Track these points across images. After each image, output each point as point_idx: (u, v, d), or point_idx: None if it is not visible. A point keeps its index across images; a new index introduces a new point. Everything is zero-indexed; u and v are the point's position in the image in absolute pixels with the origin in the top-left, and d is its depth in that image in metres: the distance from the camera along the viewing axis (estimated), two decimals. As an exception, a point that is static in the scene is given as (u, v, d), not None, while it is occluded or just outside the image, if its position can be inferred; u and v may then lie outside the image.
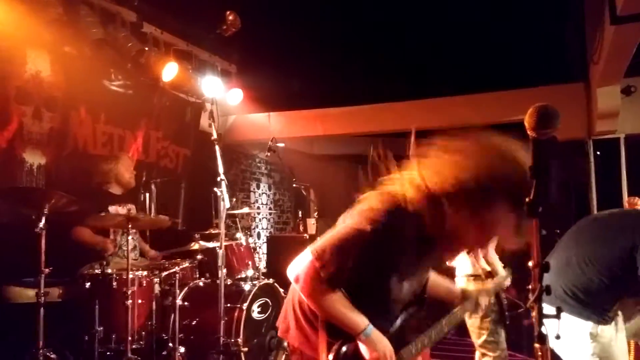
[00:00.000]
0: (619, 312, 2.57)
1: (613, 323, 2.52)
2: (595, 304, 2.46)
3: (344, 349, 1.72)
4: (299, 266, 1.73)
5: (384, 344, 1.73)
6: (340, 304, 1.70)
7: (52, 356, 3.43)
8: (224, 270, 3.78)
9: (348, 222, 1.73)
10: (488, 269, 3.69)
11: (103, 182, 4.34)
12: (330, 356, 1.71)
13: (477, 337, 3.65)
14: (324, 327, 1.75)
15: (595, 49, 4.91)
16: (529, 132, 1.33)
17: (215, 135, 3.88)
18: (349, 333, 1.71)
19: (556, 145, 1.35)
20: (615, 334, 2.52)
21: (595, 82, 5.49)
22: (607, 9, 3.85)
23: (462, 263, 3.58)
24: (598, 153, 6.05)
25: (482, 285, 3.40)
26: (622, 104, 5.47)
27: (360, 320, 1.71)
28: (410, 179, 1.67)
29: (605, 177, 5.95)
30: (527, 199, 1.30)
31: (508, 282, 3.77)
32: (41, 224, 3.33)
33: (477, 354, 3.92)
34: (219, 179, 3.66)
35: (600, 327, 2.46)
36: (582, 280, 2.48)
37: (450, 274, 3.69)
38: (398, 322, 1.84)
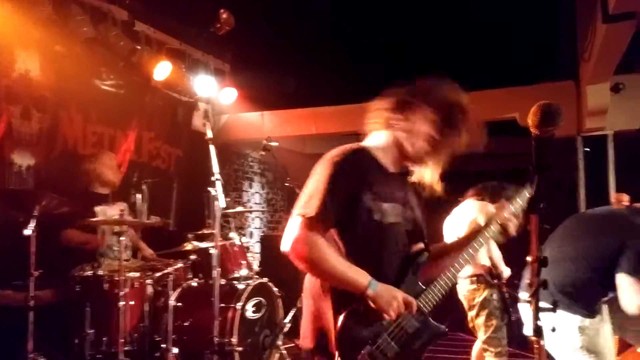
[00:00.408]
0: (605, 305, 2.61)
1: (599, 315, 2.56)
2: (583, 299, 2.51)
3: (354, 310, 1.69)
4: (291, 231, 1.71)
5: (394, 293, 1.70)
6: (339, 263, 1.69)
7: (42, 360, 3.40)
8: (218, 270, 3.76)
9: (315, 171, 1.79)
10: (488, 264, 3.72)
11: (87, 183, 4.29)
12: (341, 317, 1.67)
13: (484, 333, 3.71)
14: (330, 299, 1.72)
15: (586, 47, 4.93)
16: (531, 130, 1.33)
17: (210, 135, 3.84)
18: (354, 294, 1.68)
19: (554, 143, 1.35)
20: (602, 325, 2.56)
21: (586, 80, 5.52)
22: (600, 8, 3.87)
23: None
24: (587, 149, 6.09)
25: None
26: (610, 102, 5.51)
27: (362, 276, 1.69)
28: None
29: (593, 173, 5.99)
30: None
31: (507, 273, 3.81)
32: (31, 226, 3.29)
33: (475, 349, 3.95)
34: (213, 178, 3.63)
35: (588, 320, 2.50)
36: (571, 275, 2.52)
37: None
38: (407, 273, 1.81)
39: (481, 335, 3.76)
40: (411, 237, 1.88)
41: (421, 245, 1.90)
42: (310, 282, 1.83)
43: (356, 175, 1.74)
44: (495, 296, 3.74)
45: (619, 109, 5.61)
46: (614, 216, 2.79)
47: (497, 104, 6.29)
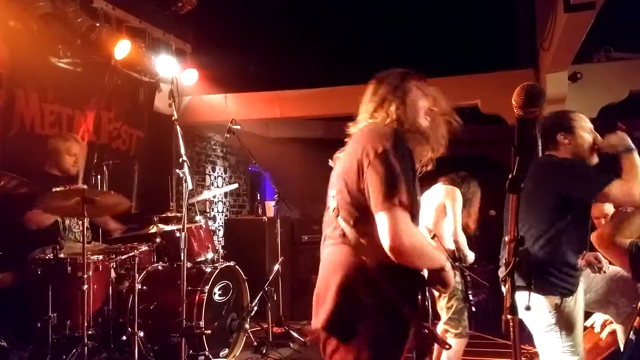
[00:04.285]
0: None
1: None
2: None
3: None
4: (386, 228, 1.61)
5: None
6: (428, 245, 1.73)
7: (3, 344, 3.31)
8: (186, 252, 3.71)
9: (369, 161, 1.68)
10: (452, 248, 3.81)
11: (44, 163, 4.12)
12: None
13: (445, 314, 3.79)
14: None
15: (546, 36, 5.06)
16: (515, 111, 1.37)
17: (176, 115, 3.77)
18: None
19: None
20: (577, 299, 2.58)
21: (545, 69, 5.68)
22: (561, -3, 3.98)
23: None
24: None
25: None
26: (568, 90, 5.70)
27: (440, 254, 1.78)
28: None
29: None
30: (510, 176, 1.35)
31: (471, 258, 3.90)
32: (-11, 207, 3.17)
33: (438, 331, 4.05)
34: (180, 160, 3.56)
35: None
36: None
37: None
38: None
39: (443, 317, 3.85)
40: None
41: None
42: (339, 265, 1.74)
43: (411, 158, 1.75)
44: (458, 279, 3.83)
45: (576, 98, 5.80)
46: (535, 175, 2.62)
47: (458, 91, 6.38)
